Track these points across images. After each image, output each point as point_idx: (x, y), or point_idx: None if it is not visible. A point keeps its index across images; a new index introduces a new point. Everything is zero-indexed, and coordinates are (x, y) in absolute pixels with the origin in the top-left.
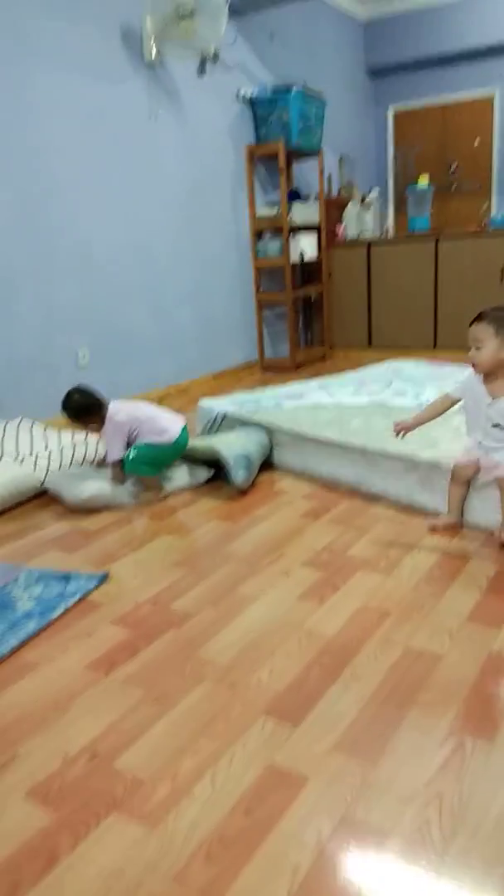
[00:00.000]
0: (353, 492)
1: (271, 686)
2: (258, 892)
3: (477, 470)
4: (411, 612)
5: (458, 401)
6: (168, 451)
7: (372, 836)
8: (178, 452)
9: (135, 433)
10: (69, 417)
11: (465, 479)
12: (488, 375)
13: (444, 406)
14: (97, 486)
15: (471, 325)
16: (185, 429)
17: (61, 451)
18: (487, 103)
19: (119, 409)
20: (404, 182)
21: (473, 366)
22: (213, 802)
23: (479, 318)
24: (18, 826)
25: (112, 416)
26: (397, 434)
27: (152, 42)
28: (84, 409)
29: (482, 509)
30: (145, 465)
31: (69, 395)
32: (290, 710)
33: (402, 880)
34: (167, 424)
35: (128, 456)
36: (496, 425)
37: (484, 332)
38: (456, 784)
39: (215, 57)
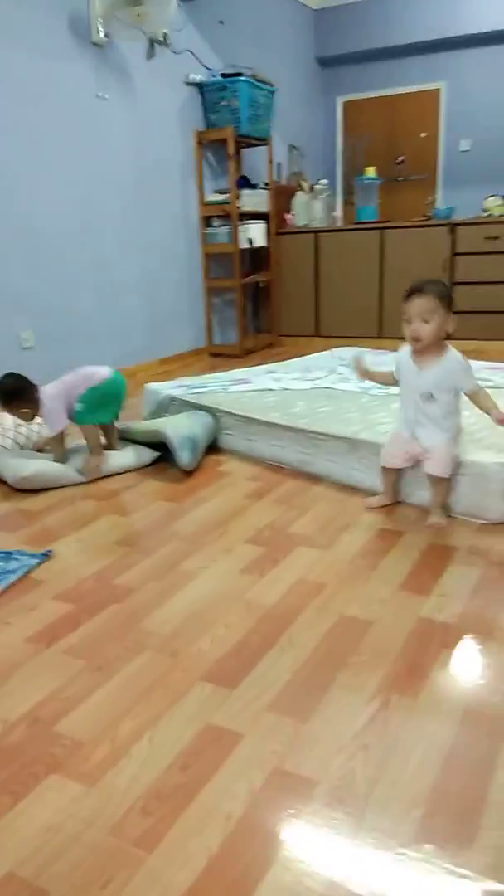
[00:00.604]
0: (296, 473)
1: (211, 654)
2: (192, 840)
3: (407, 460)
4: (346, 584)
5: (397, 383)
6: (108, 388)
7: (301, 785)
8: (120, 389)
9: (72, 395)
10: (0, 402)
11: (394, 469)
12: (419, 350)
13: (386, 379)
14: (39, 465)
15: (410, 298)
16: (115, 372)
17: (3, 433)
18: (434, 95)
19: (49, 386)
20: (352, 172)
21: (416, 340)
22: (150, 761)
23: (419, 291)
24: None
25: (45, 393)
26: (358, 373)
27: (99, 23)
28: (16, 392)
29: (416, 486)
30: (94, 412)
31: (0, 380)
32: (227, 675)
33: (327, 824)
34: (95, 369)
35: (75, 411)
36: (427, 396)
37: (430, 304)
38: (380, 737)
39: (164, 40)
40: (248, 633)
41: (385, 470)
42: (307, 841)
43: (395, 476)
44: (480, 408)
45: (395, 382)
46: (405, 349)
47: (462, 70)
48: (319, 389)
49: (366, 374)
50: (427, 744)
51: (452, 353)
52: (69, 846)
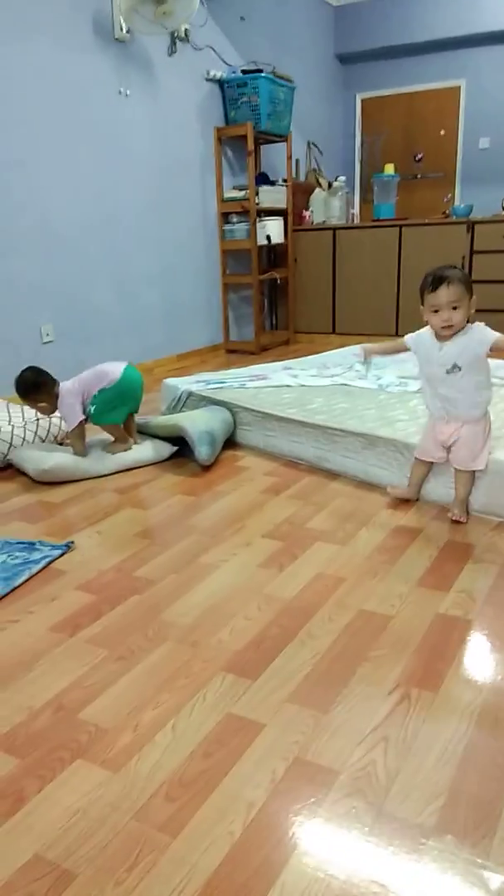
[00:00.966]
0: (314, 469)
1: (231, 645)
2: (215, 826)
3: (441, 452)
4: (365, 579)
5: (408, 349)
6: (121, 388)
7: (322, 775)
8: (133, 387)
9: (87, 394)
10: (20, 394)
11: (427, 463)
12: (450, 336)
13: (396, 347)
14: (60, 457)
15: (437, 288)
16: (128, 366)
17: (24, 425)
18: (454, 93)
19: (68, 382)
20: (370, 169)
21: (449, 327)
22: (173, 748)
23: (446, 280)
24: None
25: (62, 389)
26: (364, 358)
27: (122, 19)
28: (34, 385)
29: (435, 484)
30: (108, 412)
31: (21, 373)
32: (248, 667)
33: (348, 813)
34: (109, 368)
35: (89, 412)
36: (452, 368)
37: (458, 292)
38: (401, 729)
39: (186, 37)
40: (267, 625)
41: (417, 462)
42: (328, 829)
43: (425, 471)
44: None
45: (403, 349)
46: (424, 331)
47: (482, 68)
48: (336, 386)
49: (373, 352)
50: (447, 737)
51: (477, 324)
52: (95, 829)
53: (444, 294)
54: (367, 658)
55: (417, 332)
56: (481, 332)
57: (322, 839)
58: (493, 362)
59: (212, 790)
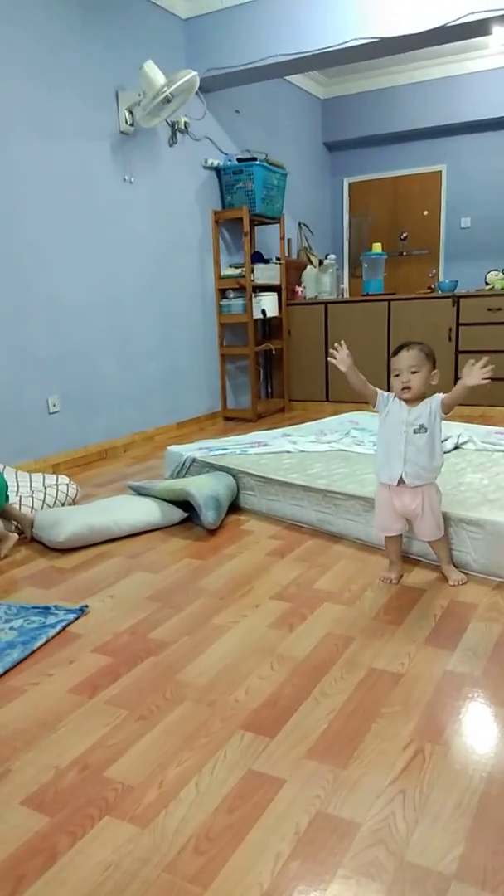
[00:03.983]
0: (316, 532)
1: (248, 704)
2: (245, 876)
3: (402, 523)
4: (373, 638)
5: (375, 399)
6: None
7: (343, 826)
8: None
9: None
10: None
11: (396, 536)
12: (409, 398)
13: (367, 386)
14: (73, 527)
15: (398, 352)
16: None
17: (32, 494)
18: (436, 177)
19: None
20: (359, 248)
21: (407, 389)
22: (198, 804)
23: (407, 346)
24: (17, 829)
25: None
26: (341, 353)
27: (127, 113)
28: None
29: (428, 547)
30: None
31: None
32: (265, 725)
33: (371, 862)
34: None
35: None
36: (419, 428)
37: (419, 358)
38: (417, 782)
39: (185, 129)
40: (281, 684)
41: (388, 539)
42: (354, 878)
43: (398, 542)
44: (455, 397)
45: (372, 399)
46: (392, 395)
47: (462, 153)
48: (335, 451)
49: (349, 364)
50: (461, 789)
51: (438, 394)
52: (128, 883)
53: (405, 358)
54: (380, 714)
55: (386, 394)
56: (437, 397)
57: (348, 887)
58: (479, 428)
59: (239, 843)
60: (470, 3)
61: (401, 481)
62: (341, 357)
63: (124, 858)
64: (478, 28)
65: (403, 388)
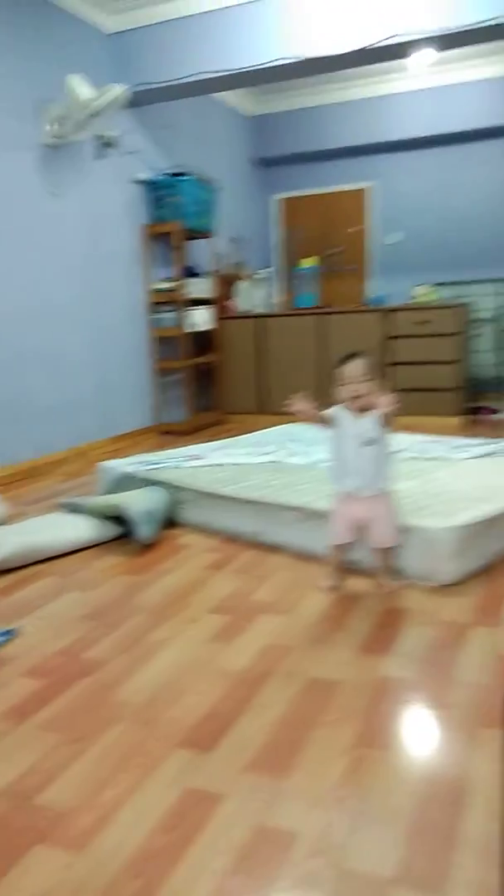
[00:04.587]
0: (253, 543)
1: (185, 720)
2: None
3: (354, 531)
4: (311, 647)
5: (329, 422)
6: None
7: (283, 838)
8: None
9: None
10: None
11: (344, 545)
12: (360, 406)
13: (320, 420)
14: (10, 546)
15: (346, 362)
16: None
17: None
18: (364, 194)
19: None
20: (290, 262)
21: (358, 397)
22: (135, 825)
23: (355, 356)
24: None
25: None
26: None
27: (54, 126)
28: None
29: (366, 552)
30: None
31: None
32: (204, 740)
33: (310, 873)
34: None
35: None
36: (369, 440)
37: (365, 367)
38: (356, 788)
39: (114, 142)
40: (220, 698)
41: (335, 548)
42: (292, 890)
43: (343, 554)
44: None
45: (329, 423)
46: (341, 407)
47: (388, 171)
48: (270, 463)
49: (312, 415)
50: (400, 792)
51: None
52: None
53: (353, 367)
54: (319, 723)
55: (333, 409)
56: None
57: None
58: (412, 437)
59: (177, 862)
60: (389, 28)
61: (355, 492)
62: (302, 407)
63: (58, 887)
64: (399, 50)
65: (354, 398)
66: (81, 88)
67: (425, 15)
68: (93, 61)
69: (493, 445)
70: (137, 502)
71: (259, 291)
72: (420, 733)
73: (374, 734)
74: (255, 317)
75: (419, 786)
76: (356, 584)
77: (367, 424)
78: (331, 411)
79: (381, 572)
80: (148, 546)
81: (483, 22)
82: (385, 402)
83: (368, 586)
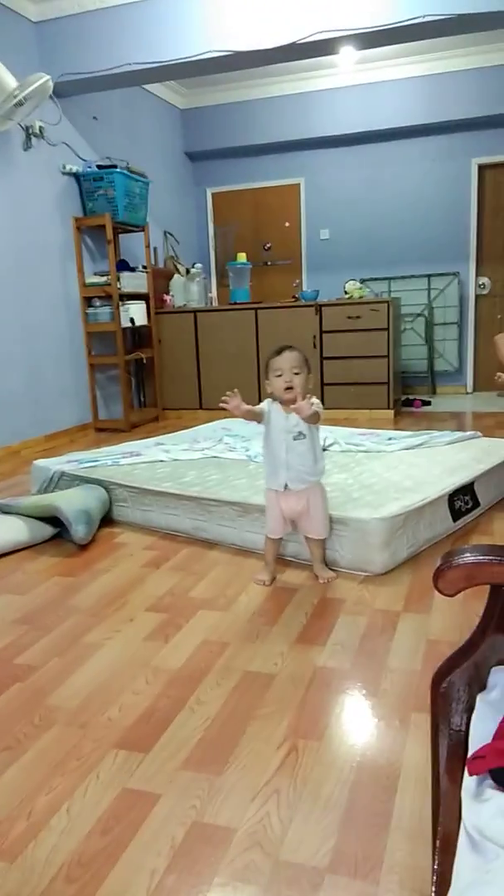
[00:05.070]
0: (191, 540)
1: (121, 721)
2: None
3: (287, 524)
4: (247, 641)
5: (263, 419)
6: None
7: (219, 834)
8: None
9: None
10: None
11: (279, 538)
12: (292, 398)
13: (256, 417)
14: None
15: (280, 353)
16: None
17: None
18: (295, 189)
19: None
20: (225, 257)
21: (290, 388)
22: (70, 830)
23: (288, 348)
24: None
25: None
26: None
27: None
28: None
29: (302, 548)
30: None
31: None
32: (140, 740)
33: (247, 867)
34: None
35: None
36: (298, 435)
37: (300, 360)
38: (291, 780)
39: (41, 133)
40: (156, 697)
41: (269, 541)
42: (230, 885)
43: (277, 546)
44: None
45: (260, 418)
46: (271, 401)
47: (317, 168)
48: (208, 459)
49: (244, 410)
50: (333, 781)
51: (313, 398)
52: None
53: (287, 359)
54: (254, 717)
55: (264, 402)
56: (315, 402)
57: (225, 894)
58: (345, 430)
59: (113, 865)
60: (318, 23)
61: (286, 486)
62: (234, 405)
63: None
64: (326, 47)
65: (287, 388)
66: (5, 77)
67: (351, 12)
68: (17, 49)
69: (423, 437)
70: (72, 501)
71: (195, 286)
72: (353, 721)
73: (309, 725)
74: (192, 311)
75: (352, 773)
76: (292, 576)
77: (297, 418)
78: (261, 406)
79: (316, 561)
80: (84, 546)
81: (406, 20)
82: (303, 407)
83: (304, 579)
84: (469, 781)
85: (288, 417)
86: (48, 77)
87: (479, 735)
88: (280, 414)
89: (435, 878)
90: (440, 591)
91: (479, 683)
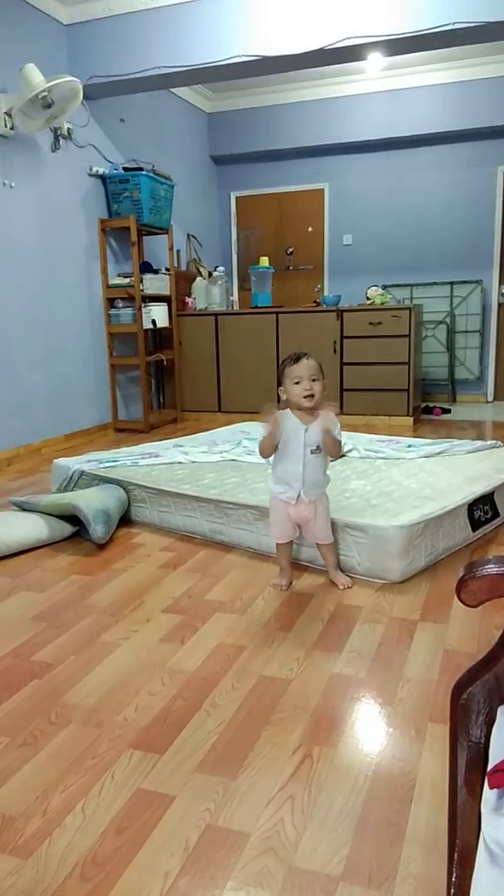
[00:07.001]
0: (208, 542)
1: (137, 722)
2: None
3: (295, 529)
4: (263, 646)
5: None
6: None
7: (233, 838)
8: None
9: None
10: None
11: (289, 543)
12: (312, 406)
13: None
14: None
15: (298, 361)
16: None
17: None
18: (319, 195)
19: None
20: (247, 261)
21: (311, 396)
22: (84, 829)
23: (306, 355)
24: None
25: None
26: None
27: (6, 117)
28: None
29: (317, 553)
30: None
31: None
32: (155, 742)
33: (260, 872)
34: None
35: None
36: (316, 449)
37: (317, 368)
38: (305, 786)
39: (69, 135)
40: (172, 699)
41: (280, 547)
42: (242, 889)
43: (290, 549)
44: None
45: (273, 446)
46: (285, 412)
47: (342, 173)
48: (226, 462)
49: (274, 434)
50: (348, 789)
51: (324, 411)
52: None
53: (305, 367)
54: (270, 722)
55: (279, 413)
56: (332, 419)
57: None
58: (363, 436)
59: (127, 865)
60: (347, 29)
61: (299, 496)
62: (271, 430)
63: (5, 893)
64: (355, 53)
65: (306, 396)
66: (34, 76)
67: (380, 19)
68: (49, 51)
69: (443, 445)
70: (91, 501)
71: (216, 289)
72: (369, 730)
73: (324, 732)
74: (213, 314)
75: (367, 782)
76: (308, 582)
77: (314, 431)
78: (281, 412)
79: (331, 568)
80: (102, 545)
81: (435, 27)
82: (330, 419)
83: (320, 584)
84: (489, 794)
85: (307, 431)
86: (74, 78)
87: (500, 748)
88: (298, 426)
89: (453, 890)
90: (463, 602)
91: (499, 696)
